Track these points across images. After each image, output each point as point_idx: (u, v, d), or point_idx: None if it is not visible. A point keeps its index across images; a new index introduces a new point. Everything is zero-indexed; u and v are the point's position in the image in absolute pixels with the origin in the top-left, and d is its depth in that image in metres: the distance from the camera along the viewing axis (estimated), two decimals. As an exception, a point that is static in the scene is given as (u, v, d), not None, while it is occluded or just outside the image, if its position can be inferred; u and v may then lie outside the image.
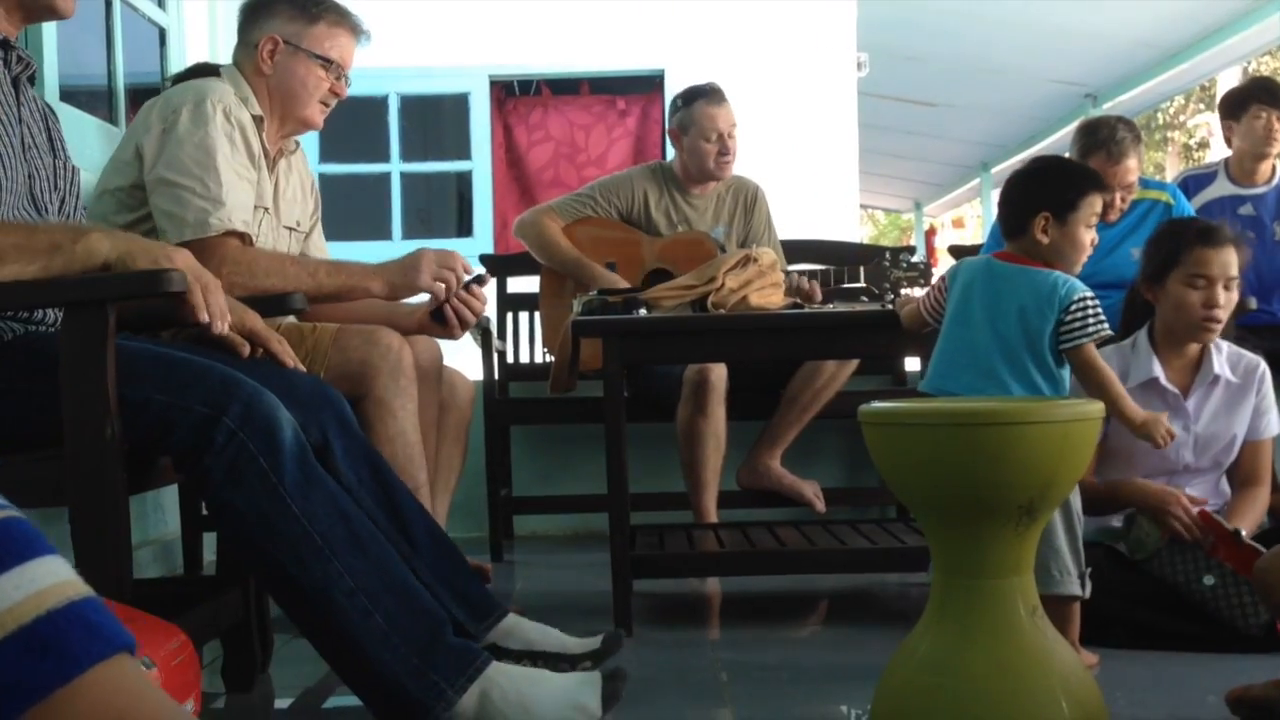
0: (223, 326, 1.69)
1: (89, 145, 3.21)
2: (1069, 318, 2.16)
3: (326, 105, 2.62)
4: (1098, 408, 1.68)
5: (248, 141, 2.44)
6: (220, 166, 2.34)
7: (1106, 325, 2.19)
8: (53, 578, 0.65)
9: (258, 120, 2.51)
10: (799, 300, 3.21)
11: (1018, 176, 2.34)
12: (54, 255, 1.59)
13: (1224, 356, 2.57)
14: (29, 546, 0.64)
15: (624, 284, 3.50)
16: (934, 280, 2.45)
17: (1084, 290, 2.19)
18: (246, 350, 2.01)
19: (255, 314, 2.09)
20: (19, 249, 1.58)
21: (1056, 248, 2.22)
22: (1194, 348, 2.56)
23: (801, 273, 3.43)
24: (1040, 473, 1.62)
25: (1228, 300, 2.48)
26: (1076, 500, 2.18)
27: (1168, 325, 2.54)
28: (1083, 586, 2.16)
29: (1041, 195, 2.24)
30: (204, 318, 1.65)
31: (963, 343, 2.24)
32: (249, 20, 2.59)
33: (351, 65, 2.63)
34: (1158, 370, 2.54)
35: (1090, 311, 2.17)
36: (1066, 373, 2.23)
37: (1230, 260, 2.48)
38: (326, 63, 2.56)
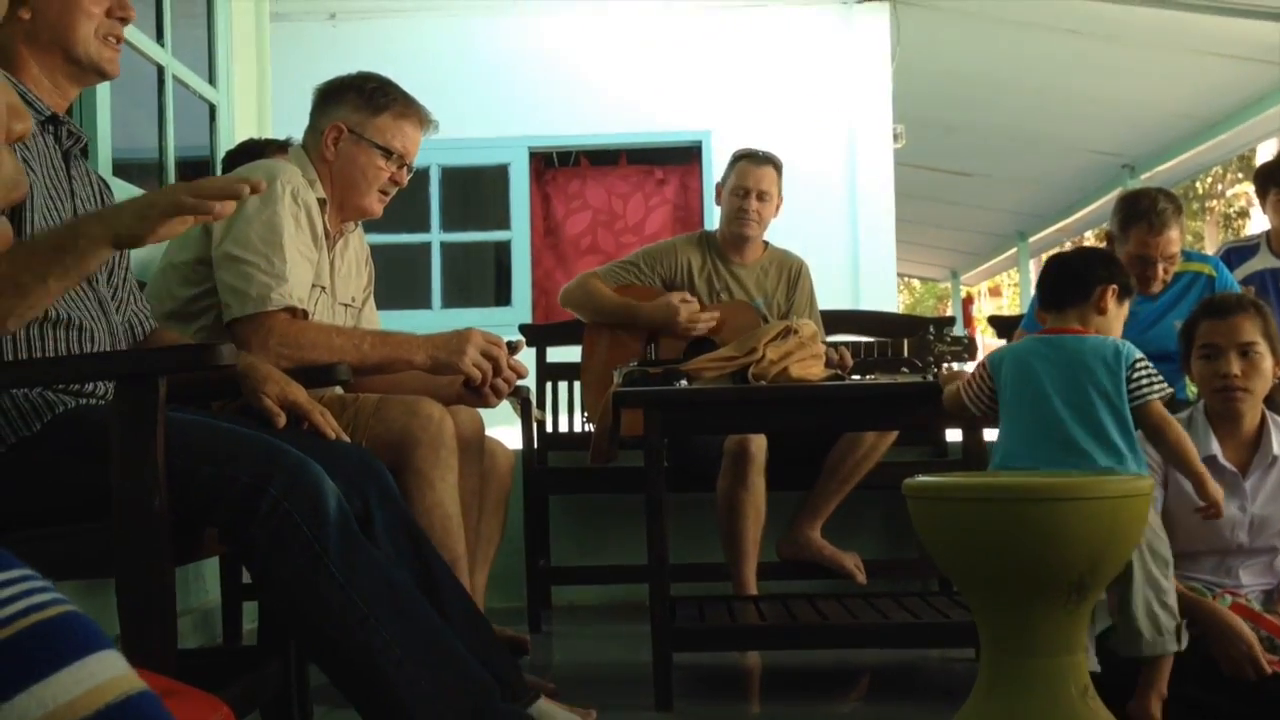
0: (212, 206, 1.60)
1: (139, 217, 3.26)
2: (1135, 375, 2.24)
3: (386, 194, 2.66)
4: (1147, 484, 1.66)
5: (312, 223, 2.48)
6: (285, 245, 2.38)
7: (1165, 383, 2.28)
8: (110, 672, 0.65)
9: (321, 203, 2.56)
10: (838, 371, 3.20)
11: (1086, 252, 2.52)
12: (64, 257, 1.57)
13: None
14: (88, 641, 0.65)
15: (676, 299, 3.52)
16: (973, 369, 2.47)
17: (1139, 352, 2.29)
18: (282, 421, 2.02)
19: (298, 386, 2.11)
20: (29, 270, 1.56)
21: (1111, 321, 2.35)
22: (1251, 425, 2.52)
23: (843, 344, 3.43)
24: (1090, 549, 1.60)
25: (1247, 366, 2.47)
26: (1164, 548, 2.17)
27: (1207, 405, 2.53)
28: (1179, 640, 2.14)
29: (1113, 271, 2.40)
30: (211, 210, 1.57)
31: (1035, 420, 2.27)
32: (319, 107, 2.64)
33: (416, 154, 2.67)
34: (1215, 448, 2.50)
35: (1151, 370, 2.26)
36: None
37: (1240, 327, 2.47)
38: (387, 153, 2.60)
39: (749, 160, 3.75)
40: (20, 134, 0.74)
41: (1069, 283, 2.39)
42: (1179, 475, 2.40)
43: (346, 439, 2.15)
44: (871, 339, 3.47)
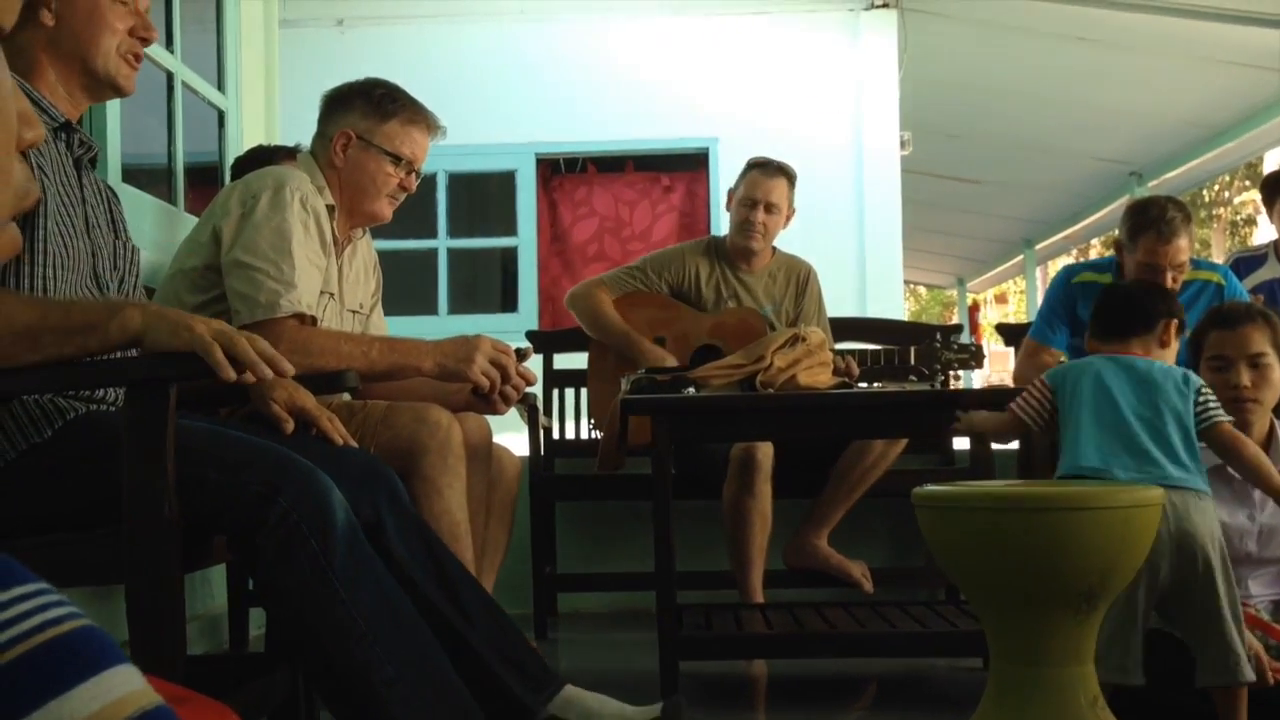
0: (266, 371, 1.65)
1: (147, 224, 3.27)
2: (1201, 399, 2.31)
3: (395, 199, 2.66)
4: (1158, 494, 1.66)
5: (321, 229, 2.48)
6: (294, 251, 2.38)
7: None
8: (126, 687, 0.65)
9: (330, 209, 2.56)
10: (846, 379, 3.20)
11: (1147, 286, 2.66)
12: (89, 335, 1.61)
13: None
14: (104, 656, 0.65)
15: (672, 360, 3.52)
16: (1028, 388, 2.48)
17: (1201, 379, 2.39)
18: (290, 427, 2.03)
19: (306, 392, 2.11)
20: (54, 331, 1.59)
21: (1169, 354, 2.44)
22: (1259, 435, 2.53)
23: (850, 352, 3.43)
24: (1100, 559, 1.60)
25: (1257, 377, 2.49)
26: (1233, 583, 2.19)
27: None
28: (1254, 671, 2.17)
29: (1173, 306, 2.51)
30: (228, 376, 1.61)
31: (1109, 428, 2.31)
32: (327, 113, 2.64)
33: (424, 160, 2.67)
34: None
35: (1213, 395, 2.34)
36: None
37: (1249, 338, 2.50)
38: (396, 159, 2.60)
39: (760, 170, 3.74)
40: (31, 141, 0.74)
41: (1133, 314, 2.44)
42: None
43: (355, 444, 2.15)
44: (878, 346, 3.46)
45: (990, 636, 1.71)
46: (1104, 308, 2.51)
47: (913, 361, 3.27)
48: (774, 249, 3.82)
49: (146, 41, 2.00)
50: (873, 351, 3.42)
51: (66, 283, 1.84)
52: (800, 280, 3.79)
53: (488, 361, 2.46)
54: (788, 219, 3.78)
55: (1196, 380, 2.34)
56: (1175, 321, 2.44)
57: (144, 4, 2.02)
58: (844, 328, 3.95)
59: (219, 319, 2.43)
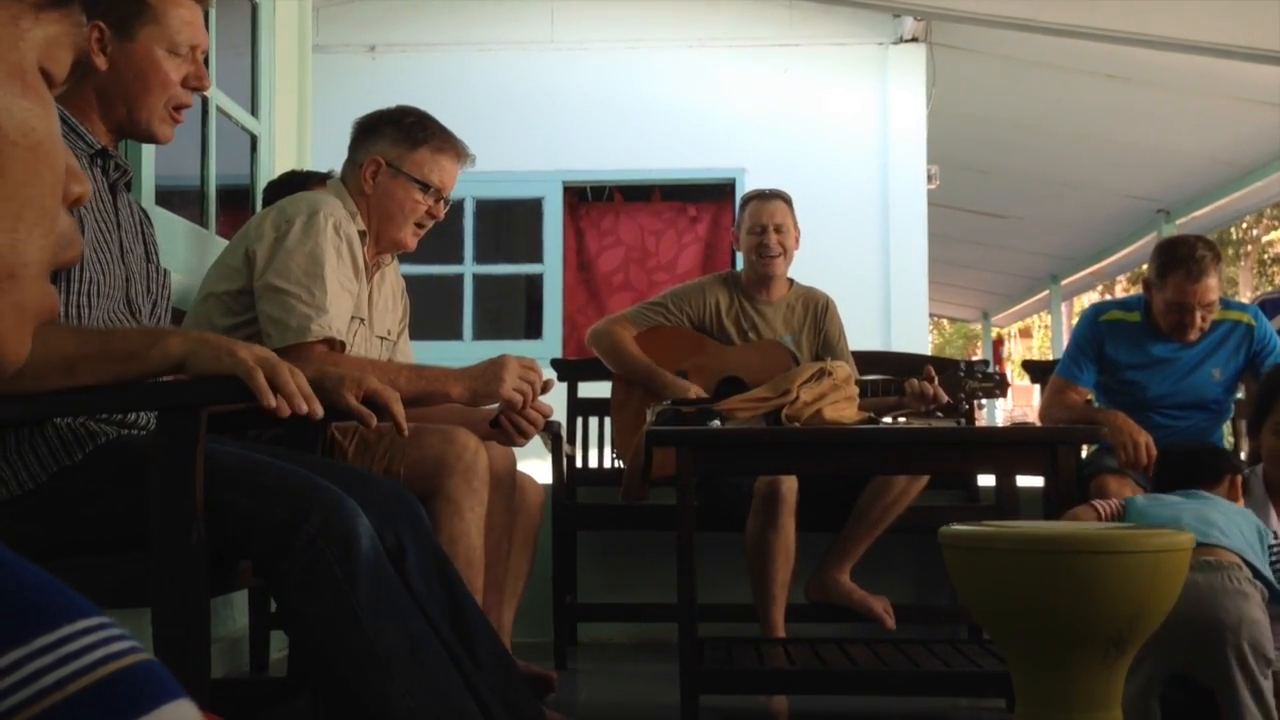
0: (301, 405, 1.66)
1: (179, 246, 3.30)
2: (1274, 557, 2.27)
3: (421, 227, 2.68)
4: (1188, 539, 1.65)
5: (354, 255, 2.50)
6: (327, 276, 2.40)
7: None
8: None
9: (362, 235, 2.58)
10: (872, 415, 3.19)
11: (1210, 447, 2.62)
12: (129, 363, 1.62)
13: None
14: (164, 691, 0.66)
15: (696, 391, 3.52)
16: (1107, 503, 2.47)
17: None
18: (374, 422, 1.97)
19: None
20: (91, 360, 1.61)
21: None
22: None
23: (872, 382, 3.41)
24: (1129, 604, 1.58)
25: None
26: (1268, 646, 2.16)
27: (1270, 476, 2.49)
28: None
29: (1237, 463, 2.51)
30: (269, 403, 1.63)
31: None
32: (357, 141, 2.66)
33: (452, 188, 2.69)
34: (1275, 522, 2.47)
35: None
36: None
37: None
38: (425, 186, 2.62)
39: (758, 199, 3.80)
40: (78, 196, 0.74)
41: (1201, 469, 2.41)
42: None
43: (405, 429, 2.07)
44: (905, 379, 3.44)
45: (1016, 679, 1.70)
46: (1169, 466, 2.48)
47: (934, 391, 3.24)
48: (791, 281, 3.83)
49: (199, 90, 2.01)
50: (870, 381, 3.42)
51: (101, 309, 1.85)
52: (819, 310, 3.79)
53: (517, 378, 2.47)
54: (796, 239, 3.79)
55: (1269, 531, 2.29)
56: (1240, 477, 2.40)
57: (201, 50, 2.02)
58: (867, 361, 3.94)
59: (254, 342, 2.45)
